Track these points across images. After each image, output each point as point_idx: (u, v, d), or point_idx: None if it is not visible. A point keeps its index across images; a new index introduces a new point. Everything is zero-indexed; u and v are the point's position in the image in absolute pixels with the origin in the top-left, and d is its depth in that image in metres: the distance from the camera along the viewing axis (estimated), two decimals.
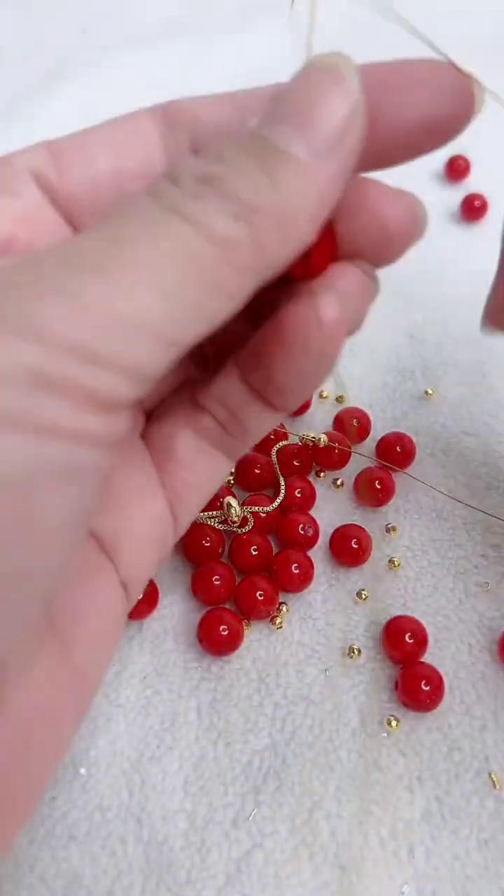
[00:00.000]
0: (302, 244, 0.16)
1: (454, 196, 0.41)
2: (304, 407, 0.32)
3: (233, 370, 0.19)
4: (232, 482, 0.31)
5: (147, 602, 0.27)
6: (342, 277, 0.17)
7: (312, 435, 0.30)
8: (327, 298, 0.17)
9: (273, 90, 0.18)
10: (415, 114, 0.17)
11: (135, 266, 0.14)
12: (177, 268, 0.14)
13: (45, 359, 0.13)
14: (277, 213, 0.15)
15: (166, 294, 0.14)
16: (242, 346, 0.19)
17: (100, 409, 0.14)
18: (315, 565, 0.28)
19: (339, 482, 0.30)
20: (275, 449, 0.30)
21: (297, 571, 0.27)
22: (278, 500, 0.29)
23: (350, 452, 0.30)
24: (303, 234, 0.15)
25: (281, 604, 0.27)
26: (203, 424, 0.20)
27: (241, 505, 0.28)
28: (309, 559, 0.28)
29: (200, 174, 0.15)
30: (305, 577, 0.27)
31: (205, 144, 0.19)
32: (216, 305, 0.15)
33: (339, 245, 0.18)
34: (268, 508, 0.28)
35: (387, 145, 0.17)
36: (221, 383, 0.20)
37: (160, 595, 0.28)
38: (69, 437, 0.14)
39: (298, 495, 0.29)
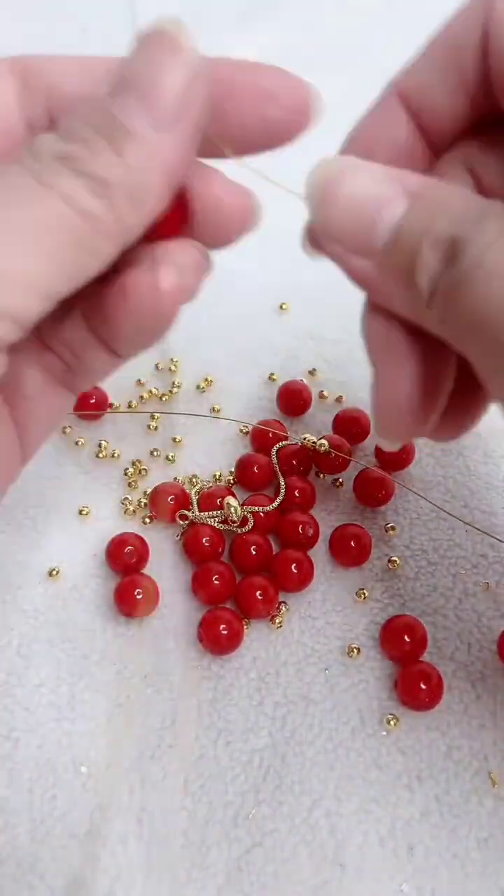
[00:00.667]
0: (155, 211, 0.18)
1: None
2: (304, 407, 0.32)
3: (78, 317, 0.21)
4: (232, 482, 0.31)
5: (147, 601, 0.27)
6: (181, 252, 0.19)
7: (313, 440, 0.30)
8: (167, 269, 0.19)
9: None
10: (254, 117, 0.19)
11: (11, 228, 0.16)
12: (48, 232, 0.16)
13: None
14: (129, 186, 0.17)
15: (40, 253, 0.16)
16: (87, 294, 0.20)
17: None
18: (315, 565, 0.28)
19: (338, 482, 0.30)
20: (275, 449, 0.30)
21: (296, 571, 0.27)
22: (278, 500, 0.29)
23: (350, 460, 0.30)
24: (154, 203, 0.17)
25: (281, 603, 0.28)
26: (48, 362, 0.21)
27: (241, 505, 0.28)
28: (309, 559, 0.28)
29: (58, 152, 0.17)
30: (305, 577, 0.27)
31: (59, 111, 0.20)
32: (84, 263, 0.17)
33: (191, 212, 0.19)
34: (267, 508, 0.28)
35: (228, 138, 0.19)
36: (68, 327, 0.21)
37: (160, 594, 0.28)
38: None
39: (298, 495, 0.29)
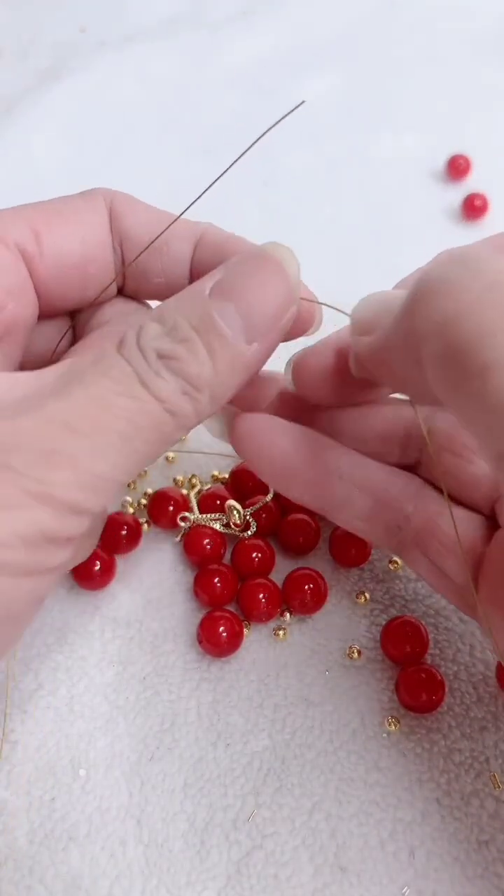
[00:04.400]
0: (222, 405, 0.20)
1: (455, 195, 0.41)
2: None
3: None
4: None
5: (104, 573, 0.27)
6: None
7: None
8: None
9: (214, 243, 0.24)
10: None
11: (114, 433, 0.18)
12: (139, 432, 0.18)
13: (54, 520, 0.17)
14: (214, 388, 0.19)
15: (134, 453, 0.18)
16: None
17: (69, 544, 0.18)
18: (315, 565, 0.28)
19: None
20: None
21: (308, 590, 0.27)
22: (270, 495, 0.29)
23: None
24: (226, 399, 0.20)
25: (283, 610, 0.27)
26: None
27: (243, 506, 0.28)
28: (322, 580, 0.27)
29: (162, 350, 0.19)
30: (318, 598, 0.27)
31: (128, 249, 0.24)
32: (160, 453, 0.19)
33: None
34: (265, 500, 0.28)
35: None
36: None
37: (160, 596, 0.28)
38: (53, 572, 0.19)
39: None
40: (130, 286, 0.25)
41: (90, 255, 0.23)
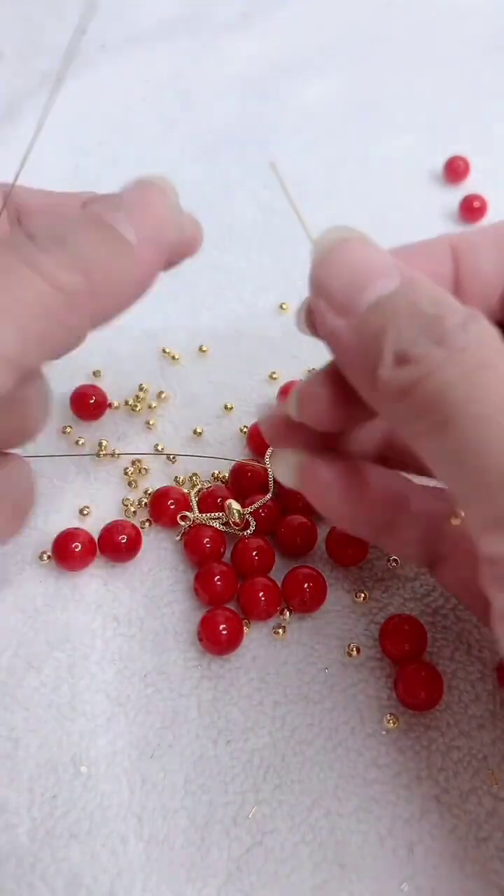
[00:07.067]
0: (123, 309, 0.20)
1: (453, 197, 0.41)
2: None
3: None
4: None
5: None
6: None
7: None
8: None
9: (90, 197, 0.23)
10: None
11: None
12: (29, 310, 0.18)
13: None
14: (109, 271, 0.19)
15: (20, 329, 0.18)
16: None
17: None
18: (314, 564, 0.28)
19: None
20: (269, 451, 0.30)
21: (308, 589, 0.27)
22: (269, 495, 0.29)
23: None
24: (126, 301, 0.20)
25: (283, 609, 0.27)
26: None
27: (242, 506, 0.28)
28: (322, 578, 0.27)
29: (53, 234, 0.19)
30: (317, 597, 0.27)
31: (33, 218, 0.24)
32: (58, 337, 0.19)
33: None
34: (265, 499, 0.28)
35: None
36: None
37: (161, 594, 0.28)
38: None
39: (298, 497, 0.29)
40: None
41: None
